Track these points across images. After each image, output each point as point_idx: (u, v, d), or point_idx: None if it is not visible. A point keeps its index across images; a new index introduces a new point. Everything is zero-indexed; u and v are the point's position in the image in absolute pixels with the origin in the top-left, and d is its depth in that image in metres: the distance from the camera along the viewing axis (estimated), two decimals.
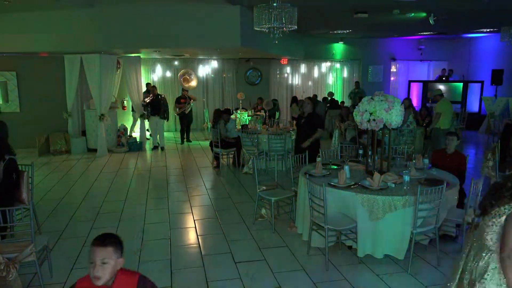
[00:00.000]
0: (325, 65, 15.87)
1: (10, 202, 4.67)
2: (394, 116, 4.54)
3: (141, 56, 12.33)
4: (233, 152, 8.80)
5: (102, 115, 9.88)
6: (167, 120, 11.27)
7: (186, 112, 11.45)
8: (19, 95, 10.40)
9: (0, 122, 6.05)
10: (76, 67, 10.00)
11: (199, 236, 5.07)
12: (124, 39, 9.31)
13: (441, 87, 15.13)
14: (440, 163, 5.28)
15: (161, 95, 11.08)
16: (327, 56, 15.52)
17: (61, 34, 9.37)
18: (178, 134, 12.26)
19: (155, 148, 10.78)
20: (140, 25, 9.11)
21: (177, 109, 11.48)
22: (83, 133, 10.71)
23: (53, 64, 10.30)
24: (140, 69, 12.29)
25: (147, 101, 10.77)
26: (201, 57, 13.97)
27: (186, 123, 11.71)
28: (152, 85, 11.61)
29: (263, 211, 5.57)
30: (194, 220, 5.64)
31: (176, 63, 13.95)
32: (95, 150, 10.21)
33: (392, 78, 16.44)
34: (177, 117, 12.17)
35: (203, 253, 4.58)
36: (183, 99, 11.56)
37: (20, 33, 9.57)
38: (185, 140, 11.76)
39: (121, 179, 7.87)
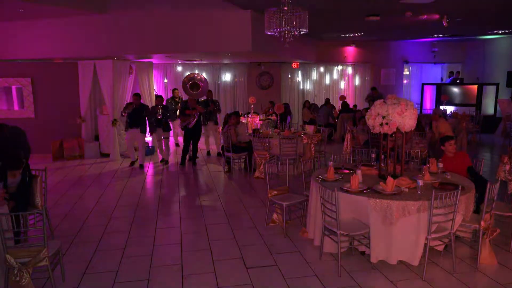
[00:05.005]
0: (336, 69, 15.79)
1: (24, 206, 4.75)
2: (408, 120, 4.47)
3: (154, 62, 12.43)
4: (244, 157, 8.78)
5: (115, 120, 9.96)
6: (151, 134, 9.72)
7: (190, 126, 9.19)
8: (34, 101, 10.56)
9: (18, 129, 6.08)
10: (89, 72, 10.13)
11: (210, 241, 5.05)
12: (137, 44, 9.40)
13: (455, 89, 14.94)
14: (449, 168, 5.20)
15: (159, 104, 9.41)
16: (338, 59, 15.45)
17: (75, 40, 9.51)
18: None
19: (132, 164, 9.30)
20: (152, 31, 9.20)
21: (182, 122, 9.38)
22: (96, 138, 10.82)
23: (67, 70, 10.44)
24: (152, 74, 12.40)
25: (126, 112, 8.99)
26: (213, 62, 14.03)
27: (191, 140, 9.42)
28: (135, 93, 9.54)
29: (275, 215, 5.53)
30: (205, 225, 5.63)
31: (188, 68, 14.03)
32: (108, 155, 10.31)
33: (405, 81, 16.27)
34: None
35: (214, 258, 4.56)
36: (188, 110, 9.33)
37: (34, 40, 9.75)
38: (186, 161, 9.58)
39: (133, 184, 7.91)
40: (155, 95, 10.92)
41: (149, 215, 6.08)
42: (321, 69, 15.69)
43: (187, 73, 13.59)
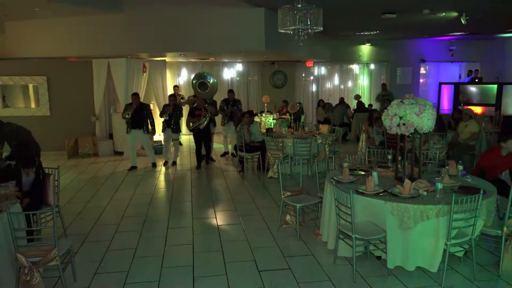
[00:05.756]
0: (351, 68, 15.58)
1: (38, 204, 4.76)
2: (426, 120, 4.32)
3: (167, 60, 12.43)
4: (257, 156, 8.70)
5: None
6: (153, 134, 9.17)
7: (201, 127, 8.75)
8: (49, 99, 10.65)
9: (22, 128, 6.10)
10: (103, 71, 10.17)
11: (222, 242, 4.98)
12: (150, 43, 9.41)
13: (474, 89, 14.58)
14: (492, 163, 5.01)
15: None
16: (353, 58, 15.23)
17: (89, 39, 9.57)
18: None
19: (132, 168, 8.86)
20: (166, 29, 9.19)
21: (190, 124, 8.88)
22: (110, 136, 10.86)
23: (82, 69, 10.51)
24: (166, 73, 12.41)
25: (129, 114, 8.55)
26: (226, 60, 13.97)
27: (202, 142, 9.00)
28: (133, 92, 9.16)
29: (288, 217, 5.43)
30: (217, 226, 5.56)
31: (201, 66, 14.00)
32: (122, 153, 10.34)
33: (421, 80, 15.96)
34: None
35: (226, 260, 4.49)
36: (197, 111, 8.91)
37: (50, 39, 9.84)
38: (203, 162, 9.23)
39: (146, 182, 7.90)
40: (170, 94, 10.30)
41: (161, 215, 6.04)
42: (336, 68, 15.49)
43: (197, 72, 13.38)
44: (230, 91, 10.10)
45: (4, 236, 3.64)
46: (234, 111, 9.84)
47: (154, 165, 9.15)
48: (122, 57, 9.88)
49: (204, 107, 8.87)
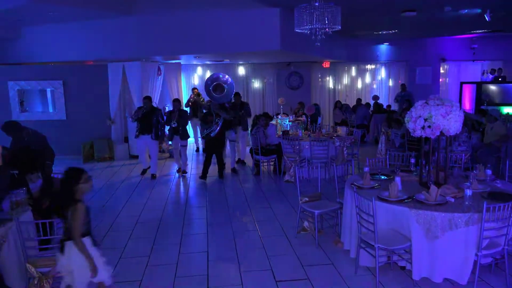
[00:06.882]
0: (369, 68, 15.24)
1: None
2: (453, 122, 4.07)
3: (182, 63, 12.37)
4: (274, 159, 8.51)
5: None
6: (162, 141, 8.66)
7: (212, 134, 8.08)
8: (65, 103, 10.69)
9: (38, 133, 6.06)
10: (118, 74, 10.14)
11: (237, 250, 4.80)
12: (164, 45, 9.34)
13: (493, 87, 14.09)
14: None
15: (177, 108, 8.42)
16: (371, 58, 14.89)
17: (105, 43, 9.56)
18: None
19: (143, 172, 8.68)
20: (180, 32, 9.10)
21: (204, 130, 8.35)
22: (126, 139, 10.83)
23: (97, 72, 10.50)
24: (181, 76, 12.34)
25: (138, 116, 8.16)
26: (241, 62, 13.83)
27: (214, 151, 8.24)
28: (145, 95, 8.64)
29: (306, 224, 5.23)
30: (233, 232, 5.39)
31: (216, 69, 13.89)
32: (137, 157, 10.28)
33: (441, 80, 15.51)
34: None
35: (241, 269, 4.31)
36: (211, 116, 8.29)
37: (66, 43, 9.88)
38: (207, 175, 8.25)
39: (161, 187, 7.79)
40: (175, 99, 9.15)
41: (175, 221, 5.91)
42: (353, 68, 15.19)
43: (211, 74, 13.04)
44: (236, 94, 9.42)
45: (14, 245, 3.55)
46: (242, 115, 9.25)
47: (154, 176, 8.44)
48: (137, 60, 9.84)
49: (217, 112, 8.22)
